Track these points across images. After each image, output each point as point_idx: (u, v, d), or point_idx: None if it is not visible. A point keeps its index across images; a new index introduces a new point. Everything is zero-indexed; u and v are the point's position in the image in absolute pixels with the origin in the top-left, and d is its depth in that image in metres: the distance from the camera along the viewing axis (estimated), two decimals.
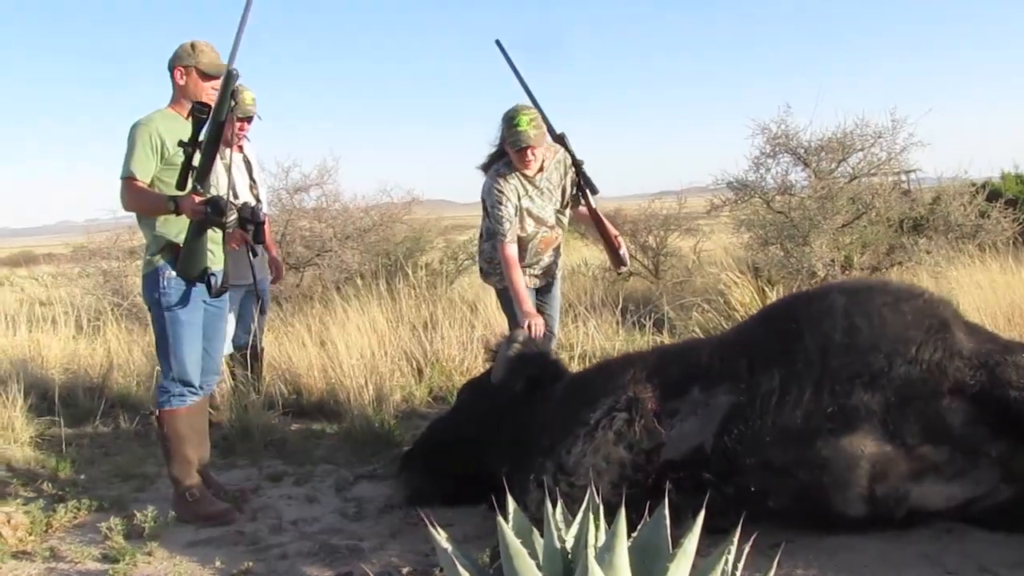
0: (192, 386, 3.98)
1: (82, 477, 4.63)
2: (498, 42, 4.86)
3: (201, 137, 3.70)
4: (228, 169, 4.79)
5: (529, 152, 4.57)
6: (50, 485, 4.38)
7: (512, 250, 4.69)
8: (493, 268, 4.94)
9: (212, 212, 3.65)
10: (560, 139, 4.80)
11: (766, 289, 6.32)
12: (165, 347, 3.94)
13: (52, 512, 3.93)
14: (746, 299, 6.15)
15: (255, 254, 4.90)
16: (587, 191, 4.85)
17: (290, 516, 3.96)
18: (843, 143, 7.90)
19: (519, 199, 4.71)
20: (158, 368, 5.21)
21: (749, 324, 3.74)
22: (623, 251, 4.93)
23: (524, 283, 4.72)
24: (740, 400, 3.17)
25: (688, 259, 9.99)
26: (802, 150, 8.08)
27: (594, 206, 4.88)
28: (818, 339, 3.16)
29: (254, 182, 5.35)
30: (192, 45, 3.93)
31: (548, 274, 4.99)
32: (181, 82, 3.94)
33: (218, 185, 4.70)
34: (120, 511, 3.97)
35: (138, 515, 3.72)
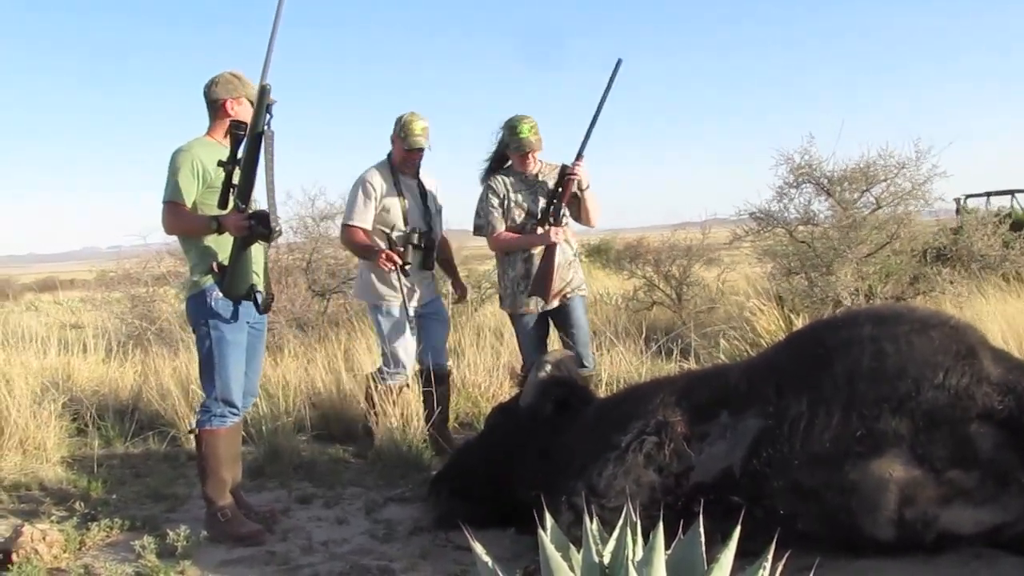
0: (234, 406, 4.06)
1: (114, 497, 4.69)
2: (620, 61, 5.11)
3: (240, 155, 3.78)
4: (400, 194, 5.24)
5: (530, 156, 5.12)
6: (82, 504, 4.42)
7: (504, 234, 5.21)
8: (505, 292, 5.33)
9: (258, 224, 3.73)
10: (563, 168, 5.15)
11: (792, 317, 6.34)
12: (210, 367, 4.00)
13: (85, 530, 3.98)
14: (772, 327, 6.17)
15: (406, 274, 5.17)
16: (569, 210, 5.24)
17: (320, 537, 3.99)
18: (866, 173, 7.89)
19: (507, 192, 5.19)
20: (194, 387, 5.30)
21: (777, 349, 3.77)
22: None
23: (522, 237, 5.19)
24: (768, 424, 3.20)
25: (711, 289, 10.01)
26: (825, 180, 8.08)
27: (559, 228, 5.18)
28: (846, 364, 3.19)
29: (427, 209, 5.37)
30: (237, 76, 4.06)
31: (557, 294, 5.17)
32: (232, 112, 4.02)
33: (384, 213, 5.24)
34: (152, 530, 4.01)
35: (170, 534, 3.74)
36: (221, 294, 3.92)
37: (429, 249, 5.25)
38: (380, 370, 5.39)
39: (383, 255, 5.08)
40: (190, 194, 3.93)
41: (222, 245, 3.94)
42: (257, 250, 4.01)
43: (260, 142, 3.71)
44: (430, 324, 5.42)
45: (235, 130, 3.77)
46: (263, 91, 3.66)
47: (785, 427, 3.16)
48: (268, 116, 3.70)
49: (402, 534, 3.97)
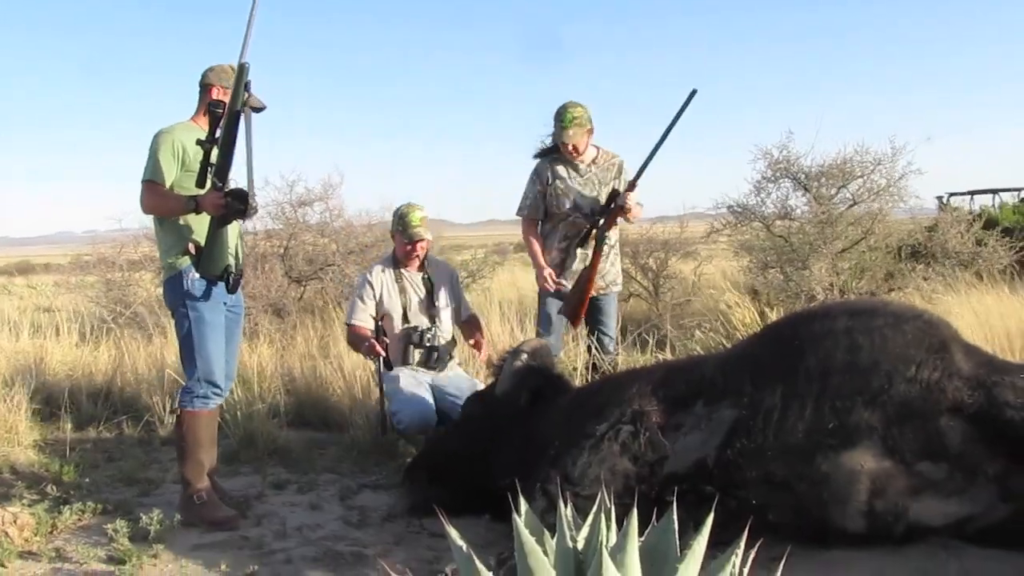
0: (217, 386, 4.06)
1: (86, 481, 4.66)
2: (694, 91, 4.94)
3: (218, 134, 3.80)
4: (402, 290, 5.11)
5: (572, 149, 5.13)
6: (54, 488, 4.40)
7: (528, 226, 5.30)
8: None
9: (234, 200, 3.75)
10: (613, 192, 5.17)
11: (767, 311, 6.38)
12: (190, 348, 4.01)
13: (57, 514, 3.96)
14: (747, 320, 6.21)
15: (389, 367, 4.99)
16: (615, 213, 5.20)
17: (294, 522, 3.99)
18: (843, 169, 7.97)
19: (553, 179, 5.22)
20: (168, 371, 5.25)
21: (752, 341, 3.79)
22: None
23: (540, 251, 5.25)
24: (743, 415, 3.22)
25: (688, 281, 10.06)
26: (803, 175, 8.15)
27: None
28: (820, 356, 3.21)
29: (433, 303, 5.17)
30: (233, 68, 4.06)
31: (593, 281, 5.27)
32: (215, 98, 4.04)
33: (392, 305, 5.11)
34: (125, 514, 4.00)
35: (143, 518, 3.74)
36: (198, 275, 3.92)
37: (432, 348, 5.04)
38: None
39: (367, 346, 4.95)
40: (169, 175, 3.94)
41: (197, 226, 3.95)
42: (233, 231, 4.02)
43: (238, 120, 3.72)
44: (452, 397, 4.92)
45: (213, 108, 3.80)
46: (241, 69, 3.69)
47: (759, 418, 3.18)
48: (247, 95, 3.72)
49: (376, 520, 3.98)
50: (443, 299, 5.21)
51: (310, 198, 9.56)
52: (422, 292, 5.17)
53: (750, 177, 8.45)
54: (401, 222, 5.09)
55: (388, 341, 4.98)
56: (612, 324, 5.42)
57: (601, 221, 5.16)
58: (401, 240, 5.11)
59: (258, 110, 4.19)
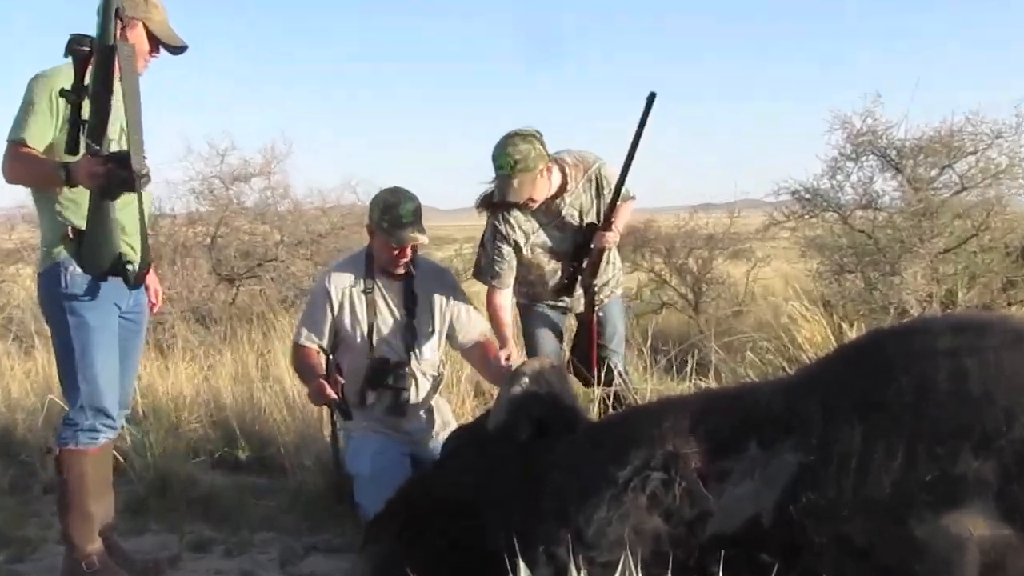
0: (107, 416, 4.00)
1: None
2: (653, 95, 4.91)
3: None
4: (371, 305, 4.82)
5: (525, 201, 4.93)
6: None
7: (500, 297, 5.10)
8: (520, 290, 5.35)
9: (118, 167, 3.55)
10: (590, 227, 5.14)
11: (843, 327, 6.36)
12: (71, 363, 3.93)
13: None
14: (817, 338, 6.19)
15: (347, 416, 4.70)
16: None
17: None
18: (949, 143, 7.90)
19: (528, 236, 5.09)
20: (52, 397, 5.23)
21: (823, 364, 3.78)
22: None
23: (510, 327, 5.10)
24: (810, 460, 3.21)
25: (738, 289, 10.06)
26: (894, 151, 8.11)
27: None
28: (914, 385, 3.20)
29: (412, 327, 4.89)
30: None
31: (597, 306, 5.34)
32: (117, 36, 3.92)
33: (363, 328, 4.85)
34: None
35: None
36: (79, 268, 3.82)
37: (401, 389, 4.80)
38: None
39: (314, 387, 4.63)
40: (44, 136, 3.81)
41: (80, 204, 3.81)
42: (128, 209, 3.88)
43: (112, 60, 3.57)
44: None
45: (77, 46, 3.66)
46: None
47: (832, 465, 3.17)
48: (120, 24, 3.57)
49: None
50: (426, 322, 4.93)
51: (247, 172, 9.53)
52: (399, 311, 4.88)
53: (823, 153, 8.43)
54: (387, 216, 4.72)
55: (344, 381, 4.63)
56: (619, 339, 5.45)
57: (583, 264, 5.13)
58: (386, 242, 4.75)
59: (178, 50, 4.11)
